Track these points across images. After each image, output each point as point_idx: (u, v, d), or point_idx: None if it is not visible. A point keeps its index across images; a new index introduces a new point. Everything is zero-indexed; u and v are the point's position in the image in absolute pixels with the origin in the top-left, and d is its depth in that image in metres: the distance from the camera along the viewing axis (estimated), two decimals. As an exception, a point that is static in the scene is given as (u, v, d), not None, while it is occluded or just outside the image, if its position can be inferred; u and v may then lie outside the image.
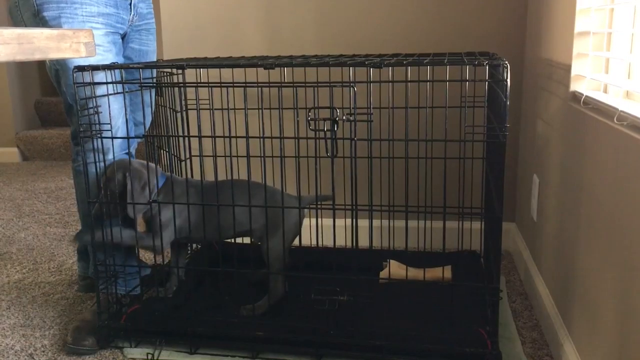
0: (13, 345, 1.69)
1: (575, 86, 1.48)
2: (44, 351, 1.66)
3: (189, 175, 1.97)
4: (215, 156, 1.83)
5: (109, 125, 1.58)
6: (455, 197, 1.81)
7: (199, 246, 2.09)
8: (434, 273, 1.86)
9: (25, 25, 1.58)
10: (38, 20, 1.55)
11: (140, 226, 1.70)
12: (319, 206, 1.66)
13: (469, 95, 1.63)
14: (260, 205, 1.64)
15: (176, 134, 1.93)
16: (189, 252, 2.02)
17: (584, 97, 1.39)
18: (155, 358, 1.58)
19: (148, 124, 1.91)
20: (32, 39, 0.98)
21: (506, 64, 1.31)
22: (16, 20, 1.62)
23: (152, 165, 1.68)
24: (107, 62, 1.58)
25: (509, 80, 1.30)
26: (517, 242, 2.17)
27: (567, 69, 1.51)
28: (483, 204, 1.78)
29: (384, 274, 1.88)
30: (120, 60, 1.69)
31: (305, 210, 1.74)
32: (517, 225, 2.26)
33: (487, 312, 1.53)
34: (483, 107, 1.74)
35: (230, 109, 1.82)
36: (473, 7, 2.17)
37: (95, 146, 1.59)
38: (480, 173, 1.84)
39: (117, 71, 1.61)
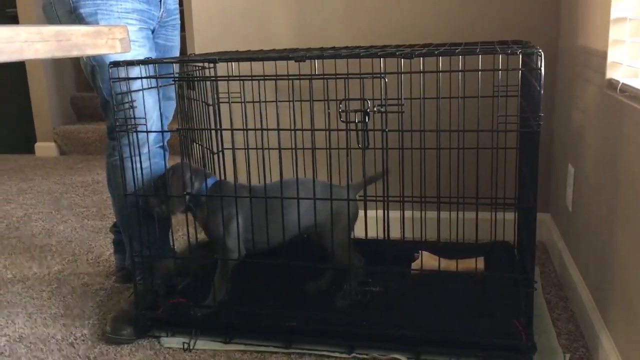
0: (55, 335, 1.74)
1: (611, 74, 1.45)
2: (83, 340, 1.70)
3: (222, 169, 1.99)
4: (247, 148, 1.85)
5: (144, 119, 1.61)
6: (487, 188, 1.79)
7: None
8: (467, 264, 1.85)
9: (60, 22, 1.62)
10: (74, 17, 1.59)
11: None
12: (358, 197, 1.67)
13: (501, 85, 1.61)
14: (319, 201, 1.62)
15: (208, 127, 1.95)
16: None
17: (620, 84, 1.36)
18: (191, 347, 1.61)
19: (171, 118, 1.94)
20: (69, 36, 1.00)
21: (540, 52, 1.29)
22: (50, 17, 1.66)
23: (198, 169, 1.70)
24: (142, 58, 1.61)
25: (542, 68, 1.28)
26: (552, 232, 2.14)
27: (603, 56, 1.48)
28: (517, 194, 1.76)
29: (416, 264, 1.87)
30: (153, 55, 1.72)
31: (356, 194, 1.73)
32: (551, 216, 2.23)
33: (521, 303, 1.52)
34: (516, 96, 1.72)
35: (262, 102, 1.84)
36: (505, -5, 2.14)
37: (131, 140, 1.62)
38: (513, 163, 1.82)
39: (150, 66, 1.64)
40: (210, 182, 1.68)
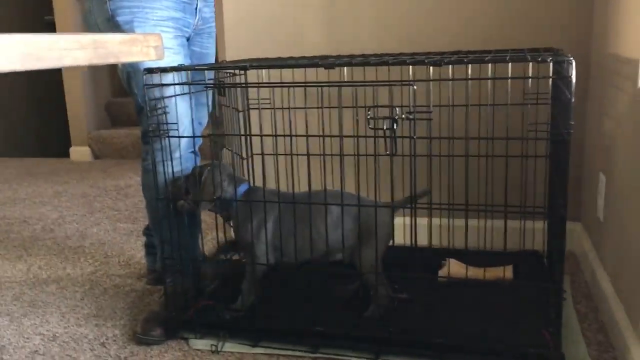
0: (87, 335, 1.78)
1: (644, 82, 1.43)
2: (115, 340, 1.74)
3: (251, 174, 2.02)
4: (276, 154, 1.88)
5: (176, 124, 1.65)
6: (516, 196, 1.78)
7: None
8: (495, 273, 1.84)
9: (99, 30, 1.67)
10: (111, 24, 1.63)
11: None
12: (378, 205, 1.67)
13: (532, 93, 1.61)
14: (353, 217, 1.61)
15: (239, 133, 1.98)
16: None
17: (653, 93, 1.34)
18: (219, 349, 1.63)
19: (205, 124, 1.97)
20: (106, 44, 1.04)
21: (571, 60, 1.28)
22: (90, 25, 1.71)
23: (229, 170, 1.72)
24: (176, 65, 1.64)
25: (574, 76, 1.27)
26: (583, 242, 2.11)
27: (635, 64, 1.46)
28: (546, 203, 1.75)
29: (443, 272, 1.87)
30: (187, 62, 1.75)
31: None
32: (582, 225, 2.20)
33: (550, 313, 1.51)
34: (546, 104, 1.71)
35: (291, 108, 1.86)
36: (537, 2, 2.12)
37: (164, 145, 1.66)
38: (543, 171, 1.81)
39: (183, 73, 1.67)
40: (242, 188, 1.71)
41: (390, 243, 1.70)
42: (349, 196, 1.64)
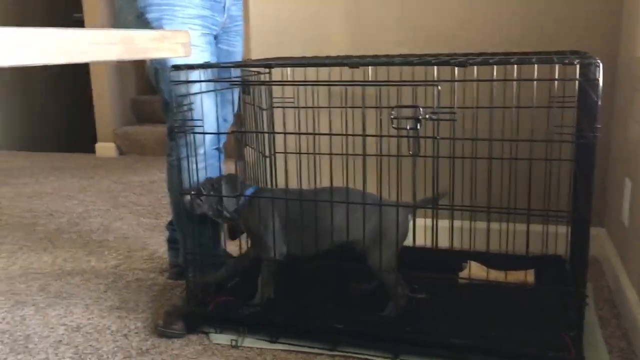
0: (110, 326, 1.81)
1: (673, 86, 1.42)
2: (137, 332, 1.77)
3: (273, 172, 2.04)
4: (299, 153, 1.89)
5: (201, 121, 1.67)
6: (540, 200, 1.77)
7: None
8: (516, 276, 1.83)
9: (129, 27, 1.69)
10: (141, 21, 1.66)
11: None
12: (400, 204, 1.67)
13: (557, 95, 1.60)
14: (362, 214, 1.61)
15: (262, 131, 2.00)
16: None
17: (682, 97, 1.32)
18: (238, 344, 1.65)
19: (231, 121, 1.99)
20: (135, 40, 1.06)
21: (598, 62, 1.27)
22: (120, 23, 1.74)
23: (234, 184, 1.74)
24: (202, 62, 1.66)
25: (601, 79, 1.26)
26: (606, 248, 2.09)
27: (665, 68, 1.45)
28: (571, 207, 1.73)
29: (464, 274, 1.86)
30: (213, 60, 1.77)
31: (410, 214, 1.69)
32: (606, 231, 2.18)
33: (572, 317, 1.49)
34: (572, 107, 1.69)
35: (315, 107, 1.87)
36: (562, 4, 2.11)
37: (189, 141, 1.68)
38: (567, 175, 1.79)
39: (209, 70, 1.69)
40: (250, 191, 1.72)
41: (412, 244, 1.70)
42: (363, 195, 1.65)
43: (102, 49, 0.94)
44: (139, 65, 4.80)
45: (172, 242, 2.13)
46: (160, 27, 1.64)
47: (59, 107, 5.40)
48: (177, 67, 1.59)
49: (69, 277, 2.21)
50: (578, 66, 1.35)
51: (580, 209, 1.49)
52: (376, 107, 1.67)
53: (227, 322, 1.72)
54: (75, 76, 4.75)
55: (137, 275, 2.21)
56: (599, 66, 1.27)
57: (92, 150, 4.76)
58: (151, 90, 4.96)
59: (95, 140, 4.75)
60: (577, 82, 1.52)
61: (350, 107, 1.94)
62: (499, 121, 1.83)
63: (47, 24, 5.08)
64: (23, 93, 5.14)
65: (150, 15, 1.66)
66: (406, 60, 1.53)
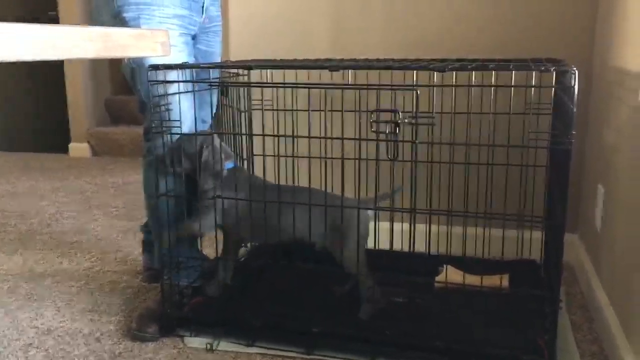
0: (82, 329, 1.78)
1: (646, 94, 1.44)
2: (109, 336, 1.74)
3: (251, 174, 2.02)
4: (277, 156, 1.88)
5: (179, 122, 1.65)
6: (515, 205, 1.79)
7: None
8: (492, 280, 1.84)
9: (106, 26, 1.67)
10: (117, 21, 1.64)
11: None
12: (378, 208, 1.67)
13: (533, 102, 1.62)
14: (320, 211, 1.63)
15: (240, 133, 1.99)
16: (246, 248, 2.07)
17: (655, 105, 1.35)
18: (214, 348, 1.63)
19: (209, 123, 1.97)
20: (115, 37, 1.05)
21: (574, 70, 1.29)
22: (96, 21, 1.72)
23: (227, 149, 1.74)
24: (180, 62, 1.65)
25: (576, 87, 1.28)
26: (579, 253, 2.12)
27: (637, 77, 1.48)
28: (545, 213, 1.76)
29: (440, 278, 1.87)
30: (191, 60, 1.76)
31: (372, 212, 1.73)
32: (579, 237, 2.21)
33: (545, 322, 1.51)
34: (547, 114, 1.72)
35: (294, 110, 1.86)
36: (539, 12, 2.14)
37: (165, 142, 1.66)
38: (542, 181, 1.81)
39: (187, 71, 1.68)
40: (228, 165, 1.72)
41: (389, 248, 1.70)
42: (322, 194, 1.68)
43: (80, 46, 0.93)
44: (114, 65, 4.74)
45: (146, 244, 2.11)
46: (137, 27, 1.62)
47: (32, 106, 5.29)
48: (155, 67, 1.57)
49: (40, 279, 2.17)
50: (554, 73, 1.37)
51: (554, 214, 1.51)
52: (355, 111, 1.68)
53: (202, 325, 1.70)
54: (48, 75, 4.67)
55: (111, 277, 2.17)
56: (574, 74, 1.29)
57: (65, 151, 4.68)
58: (126, 90, 4.90)
59: (68, 141, 4.68)
60: (553, 89, 1.55)
61: (329, 111, 1.95)
62: (476, 126, 1.85)
63: (21, 21, 4.98)
64: (-6, 91, 5.03)
65: (127, 15, 1.64)
66: (386, 64, 1.54)
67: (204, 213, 1.68)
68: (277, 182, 1.87)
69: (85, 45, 0.95)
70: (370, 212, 1.69)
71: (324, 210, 1.62)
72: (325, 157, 1.73)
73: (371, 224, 1.71)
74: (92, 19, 1.75)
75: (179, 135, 1.68)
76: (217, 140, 1.71)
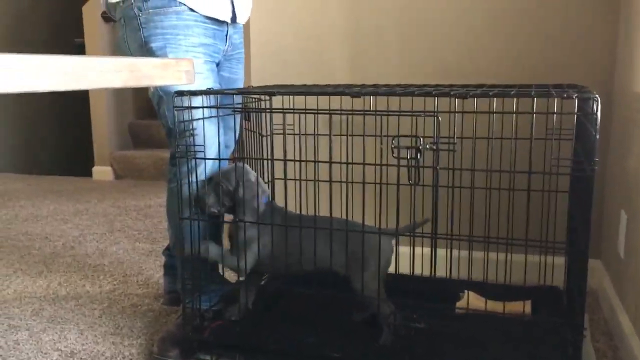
0: (104, 352, 1.80)
1: (669, 121, 1.44)
2: (131, 359, 1.75)
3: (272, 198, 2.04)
4: (300, 180, 1.90)
5: (204, 147, 1.68)
6: (537, 230, 1.78)
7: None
8: (514, 307, 1.83)
9: (133, 55, 1.71)
10: (144, 50, 1.68)
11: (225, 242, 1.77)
12: (399, 233, 1.68)
13: (555, 128, 1.62)
14: (343, 240, 1.64)
15: (262, 157, 2.01)
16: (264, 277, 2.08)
17: (678, 132, 1.35)
18: (234, 372, 1.63)
19: (232, 147, 2.00)
20: (140, 68, 1.08)
21: (596, 97, 1.30)
22: (123, 51, 1.77)
23: (262, 184, 1.76)
24: (205, 89, 1.68)
25: (599, 114, 1.28)
26: (602, 279, 2.10)
27: (661, 103, 1.47)
28: (567, 239, 1.74)
29: (461, 304, 1.86)
30: (215, 86, 1.79)
31: (394, 244, 1.72)
32: (602, 262, 2.18)
33: (569, 350, 1.49)
34: (569, 139, 1.71)
35: (316, 135, 1.88)
36: (560, 39, 2.15)
37: (190, 167, 1.69)
38: (564, 206, 1.80)
39: (212, 96, 1.71)
40: (264, 200, 1.74)
41: (410, 273, 1.70)
42: (343, 223, 1.68)
43: (107, 77, 0.96)
44: (137, 90, 4.84)
45: (168, 267, 2.12)
46: (164, 56, 1.67)
47: (57, 130, 5.41)
48: (181, 93, 1.61)
49: (63, 301, 2.19)
50: (576, 100, 1.37)
51: (576, 240, 1.50)
52: (375, 136, 1.69)
53: (223, 348, 1.70)
54: (73, 100, 4.78)
55: (132, 300, 2.19)
56: (597, 101, 1.29)
57: (89, 174, 4.76)
58: (149, 114, 4.99)
59: (92, 164, 4.75)
60: (575, 115, 1.55)
61: (350, 135, 1.96)
62: (497, 151, 1.86)
63: (49, 48, 5.13)
64: (21, 116, 5.15)
65: (154, 45, 1.68)
66: (407, 90, 1.56)
67: (247, 250, 1.69)
68: (299, 207, 1.88)
69: (112, 75, 0.98)
70: (393, 244, 1.70)
71: (357, 239, 1.63)
72: (347, 181, 1.74)
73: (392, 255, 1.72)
74: (119, 47, 1.80)
75: (211, 171, 1.72)
76: (252, 174, 1.73)
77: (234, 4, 1.82)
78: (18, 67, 0.81)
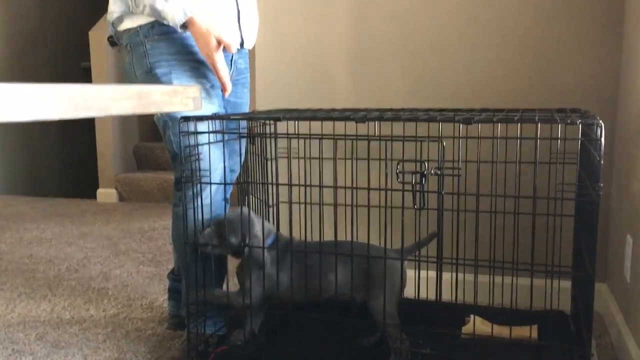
0: (108, 377, 1.79)
1: (673, 145, 1.44)
2: (135, 384, 1.74)
3: (276, 222, 2.04)
4: (305, 203, 1.90)
5: (209, 171, 1.69)
6: (543, 254, 1.77)
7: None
8: (520, 332, 1.81)
9: (138, 81, 1.73)
10: (150, 76, 1.70)
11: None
12: (404, 258, 1.67)
13: (559, 152, 1.62)
14: (359, 263, 1.64)
15: (267, 181, 2.02)
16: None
17: (682, 157, 1.35)
18: (239, 399, 1.62)
19: (238, 171, 2.01)
20: (149, 95, 1.09)
21: (600, 123, 1.30)
22: (130, 77, 1.79)
23: (268, 225, 1.76)
24: (211, 113, 1.70)
25: (603, 139, 1.29)
26: (609, 303, 2.08)
27: (664, 127, 1.48)
28: (573, 263, 1.74)
29: (466, 329, 1.85)
30: (221, 111, 1.81)
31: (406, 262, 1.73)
32: (608, 286, 2.17)
33: (577, 375, 1.48)
34: (573, 163, 1.72)
35: (319, 158, 1.89)
36: (564, 63, 2.17)
37: (195, 191, 1.70)
38: (569, 230, 1.80)
39: (217, 121, 1.73)
40: (271, 239, 1.74)
41: (415, 297, 1.70)
42: (358, 246, 1.68)
43: (116, 105, 0.97)
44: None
45: (172, 291, 2.12)
46: (169, 82, 1.68)
47: (62, 152, 5.44)
48: (187, 119, 1.62)
49: (67, 325, 2.19)
50: (580, 126, 1.38)
51: (583, 265, 1.49)
52: (380, 159, 1.70)
53: (228, 375, 1.69)
54: (78, 122, 4.81)
55: (136, 324, 2.18)
56: (601, 126, 1.30)
57: (93, 196, 4.78)
58: (153, 137, 5.01)
59: (97, 186, 4.77)
60: (579, 141, 1.55)
61: (355, 159, 1.97)
62: (501, 175, 1.86)
63: (56, 71, 5.18)
64: (26, 138, 5.19)
65: (159, 71, 1.70)
66: (412, 115, 1.57)
67: (252, 290, 1.69)
68: (304, 230, 1.88)
69: (121, 103, 0.99)
70: (406, 263, 1.70)
71: (364, 261, 1.63)
72: (352, 205, 1.75)
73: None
74: (126, 74, 1.82)
75: (215, 208, 1.75)
76: (257, 224, 1.72)
77: (242, 29, 1.85)
78: (29, 96, 0.82)
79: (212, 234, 1.70)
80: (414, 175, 1.47)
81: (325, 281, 1.67)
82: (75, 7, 5.55)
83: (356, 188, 1.63)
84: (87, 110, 0.95)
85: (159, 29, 1.70)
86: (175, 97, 1.18)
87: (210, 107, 1.74)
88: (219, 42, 1.65)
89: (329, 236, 1.87)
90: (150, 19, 1.69)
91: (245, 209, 1.70)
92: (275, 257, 1.70)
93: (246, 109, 2.02)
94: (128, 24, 1.75)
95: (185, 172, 1.68)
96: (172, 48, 1.73)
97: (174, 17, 1.62)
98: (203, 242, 1.70)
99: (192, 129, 1.64)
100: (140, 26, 1.72)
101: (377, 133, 1.75)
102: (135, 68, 1.76)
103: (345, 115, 1.64)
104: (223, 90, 1.74)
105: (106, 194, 4.71)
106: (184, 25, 1.64)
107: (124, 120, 4.87)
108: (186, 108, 1.19)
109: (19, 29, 5.13)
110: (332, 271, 1.65)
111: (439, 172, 1.46)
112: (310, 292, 1.69)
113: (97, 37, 4.51)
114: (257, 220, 1.73)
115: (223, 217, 1.73)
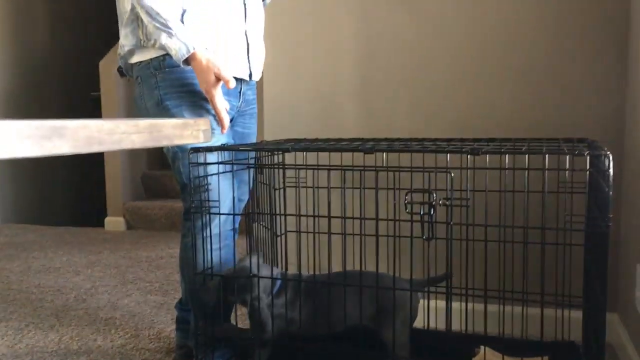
0: (115, 409, 1.77)
1: (681, 175, 1.44)
2: (143, 417, 1.73)
3: (284, 251, 2.05)
4: (313, 232, 1.90)
5: (218, 202, 1.70)
6: (553, 284, 1.76)
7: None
8: (531, 363, 1.79)
9: (149, 112, 1.76)
10: (161, 108, 1.72)
11: None
12: (413, 289, 1.67)
13: (567, 182, 1.63)
14: (371, 293, 1.65)
15: (275, 211, 2.02)
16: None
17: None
18: None
19: (246, 200, 2.02)
20: (161, 128, 1.11)
21: (608, 153, 1.31)
22: (140, 108, 1.81)
23: (275, 270, 1.76)
24: (219, 145, 1.72)
25: (611, 170, 1.29)
26: (620, 333, 2.06)
27: (672, 157, 1.48)
28: (584, 293, 1.73)
29: (477, 359, 1.83)
30: (230, 142, 1.83)
31: (420, 293, 1.73)
32: (619, 316, 2.15)
33: (590, 408, 1.46)
34: (581, 192, 1.72)
35: (328, 188, 1.90)
36: (571, 93, 2.18)
37: (204, 222, 1.71)
38: (578, 259, 1.79)
39: (226, 152, 1.74)
40: (278, 283, 1.74)
41: (425, 327, 1.69)
42: (369, 276, 1.68)
43: (127, 139, 0.99)
44: (151, 142, 4.90)
45: (180, 322, 2.11)
46: (180, 114, 1.71)
47: (70, 180, 5.47)
48: (197, 150, 1.64)
49: (75, 356, 2.18)
50: (588, 157, 1.39)
51: (592, 294, 1.48)
52: (388, 189, 1.71)
53: (236, 407, 1.68)
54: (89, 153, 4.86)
55: (144, 355, 2.17)
56: (609, 157, 1.30)
57: (101, 225, 4.79)
58: (162, 165, 5.05)
59: (105, 215, 4.79)
60: (587, 172, 1.56)
61: (363, 188, 1.98)
62: (509, 204, 1.86)
63: (66, 101, 5.24)
64: (34, 166, 5.23)
65: (169, 102, 1.72)
66: (419, 146, 1.58)
67: (262, 329, 1.70)
68: (312, 260, 1.88)
69: (132, 137, 1.01)
70: (419, 296, 1.71)
71: (374, 291, 1.64)
72: (360, 234, 1.75)
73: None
74: (136, 105, 1.84)
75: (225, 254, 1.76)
76: (265, 270, 1.72)
77: (250, 62, 1.88)
78: (40, 133, 0.84)
79: (216, 288, 1.70)
80: (422, 206, 1.47)
81: (337, 314, 1.66)
82: (86, 38, 5.64)
83: (365, 218, 1.63)
84: (100, 145, 0.96)
85: (170, 61, 1.73)
86: (186, 130, 1.20)
87: (219, 138, 1.76)
88: (218, 78, 1.67)
89: (336, 266, 1.87)
90: (162, 52, 1.72)
91: (254, 260, 1.70)
92: (284, 302, 1.70)
93: (254, 139, 2.04)
94: (139, 57, 1.78)
95: (194, 202, 1.69)
96: (182, 80, 1.75)
97: (177, 52, 1.64)
98: (205, 296, 1.71)
99: (201, 160, 1.65)
100: (151, 59, 1.75)
101: (385, 163, 1.76)
102: (146, 100, 1.78)
103: (352, 146, 1.65)
104: (221, 127, 1.75)
105: (114, 222, 4.73)
106: (186, 61, 1.67)
107: (132, 149, 4.90)
108: (197, 140, 1.20)
109: (31, 58, 5.21)
110: (345, 302, 1.65)
111: (447, 202, 1.46)
112: (322, 327, 1.69)
113: (107, 67, 4.57)
114: (264, 269, 1.72)
115: (229, 270, 1.73)
